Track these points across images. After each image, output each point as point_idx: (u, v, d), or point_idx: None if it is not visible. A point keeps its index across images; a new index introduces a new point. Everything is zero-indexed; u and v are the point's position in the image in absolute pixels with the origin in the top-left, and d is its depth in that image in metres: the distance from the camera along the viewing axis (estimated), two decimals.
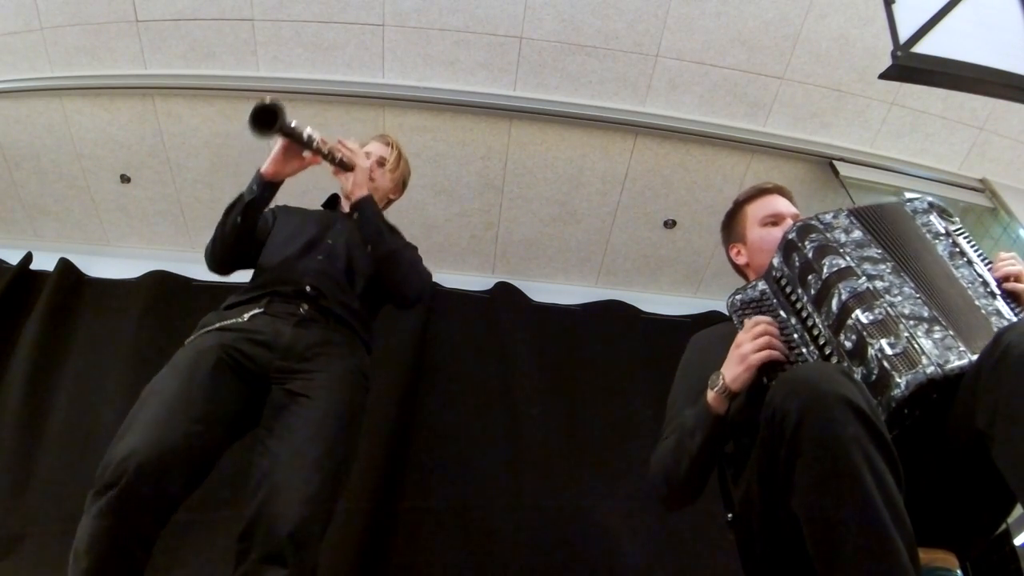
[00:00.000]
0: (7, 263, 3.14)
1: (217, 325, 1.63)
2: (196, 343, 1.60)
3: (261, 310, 1.66)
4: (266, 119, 1.58)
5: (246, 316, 1.64)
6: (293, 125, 1.63)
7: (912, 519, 0.92)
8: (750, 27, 2.69)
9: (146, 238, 3.32)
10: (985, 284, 1.24)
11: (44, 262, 3.13)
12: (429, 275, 1.95)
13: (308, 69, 2.83)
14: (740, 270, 1.61)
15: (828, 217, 1.32)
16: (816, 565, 0.92)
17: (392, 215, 3.13)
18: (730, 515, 1.32)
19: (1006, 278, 1.25)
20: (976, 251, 1.31)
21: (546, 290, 3.23)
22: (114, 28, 2.78)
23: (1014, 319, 1.18)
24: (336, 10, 2.70)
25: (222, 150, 2.94)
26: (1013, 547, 1.23)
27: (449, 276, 3.22)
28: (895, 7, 1.56)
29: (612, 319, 3.11)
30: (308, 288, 1.70)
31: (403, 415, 2.66)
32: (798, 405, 0.96)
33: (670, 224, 3.18)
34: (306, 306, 1.69)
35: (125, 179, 3.13)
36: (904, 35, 1.53)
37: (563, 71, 2.82)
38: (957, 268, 1.26)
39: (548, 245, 3.25)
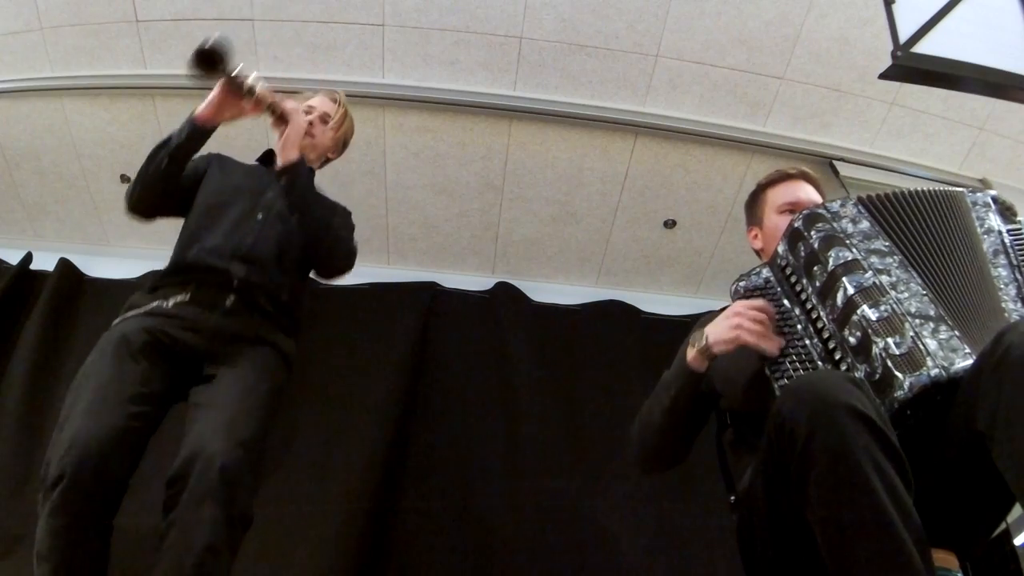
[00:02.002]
0: (7, 263, 3.14)
1: (143, 310, 1.62)
2: (122, 327, 1.59)
3: (186, 297, 1.63)
4: (211, 61, 1.51)
5: (170, 303, 1.62)
6: (237, 72, 1.57)
7: None
8: (750, 27, 2.69)
9: (146, 238, 3.32)
10: (1019, 287, 1.22)
11: (44, 262, 3.13)
12: (354, 248, 1.87)
13: (308, 69, 2.83)
14: (757, 254, 1.60)
15: (836, 206, 1.29)
16: (831, 574, 0.93)
17: (392, 215, 3.12)
18: (732, 497, 1.32)
19: None
20: (1022, 253, 1.29)
21: (546, 290, 3.23)
22: (114, 28, 2.78)
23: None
24: (336, 10, 2.70)
25: (221, 150, 2.93)
26: (1013, 547, 1.23)
27: (449, 276, 3.22)
28: (895, 7, 1.56)
29: (612, 319, 3.11)
30: (235, 282, 1.66)
31: (403, 415, 2.66)
32: (807, 417, 0.95)
33: (670, 224, 3.18)
34: (232, 297, 1.65)
35: (125, 179, 3.13)
36: (904, 35, 1.52)
37: (563, 71, 2.82)
38: (996, 267, 1.23)
39: (548, 245, 3.25)
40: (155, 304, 1.62)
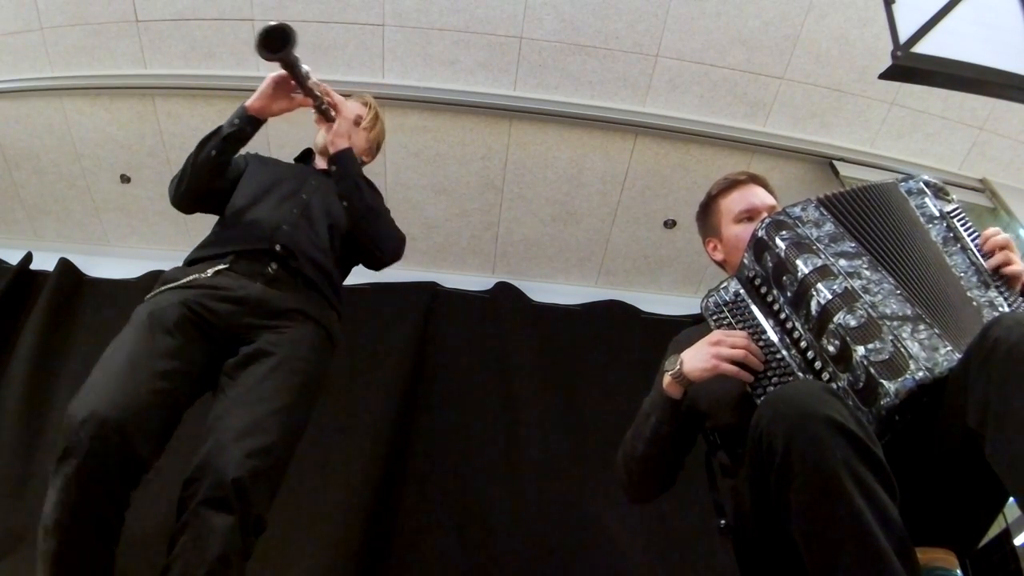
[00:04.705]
0: (7, 263, 3.15)
1: (181, 281, 1.55)
2: (157, 299, 1.53)
3: (226, 266, 1.57)
4: (275, 42, 1.51)
5: (210, 272, 1.56)
6: (295, 56, 1.57)
7: (910, 519, 0.91)
8: (750, 27, 2.69)
9: (146, 238, 3.33)
10: (979, 272, 1.20)
11: (44, 262, 3.13)
12: (403, 236, 1.87)
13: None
14: (719, 265, 1.58)
15: (797, 210, 1.26)
16: None
17: (393, 215, 3.12)
18: (723, 522, 1.31)
19: (997, 267, 1.21)
20: (971, 233, 1.26)
21: (546, 290, 3.23)
22: (114, 28, 2.78)
23: (1007, 311, 1.16)
24: (336, 10, 2.70)
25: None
26: (1013, 547, 1.23)
27: (449, 276, 3.22)
28: (895, 7, 1.55)
29: (612, 319, 3.11)
30: (278, 247, 1.61)
31: (403, 415, 2.66)
32: (784, 430, 0.94)
33: (670, 224, 3.18)
34: (275, 265, 1.60)
35: (125, 179, 3.13)
36: (904, 35, 1.52)
37: (563, 71, 2.82)
38: (951, 256, 1.22)
39: (548, 245, 3.25)
40: (192, 277, 1.56)
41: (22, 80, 2.95)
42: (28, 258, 3.16)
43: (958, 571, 1.09)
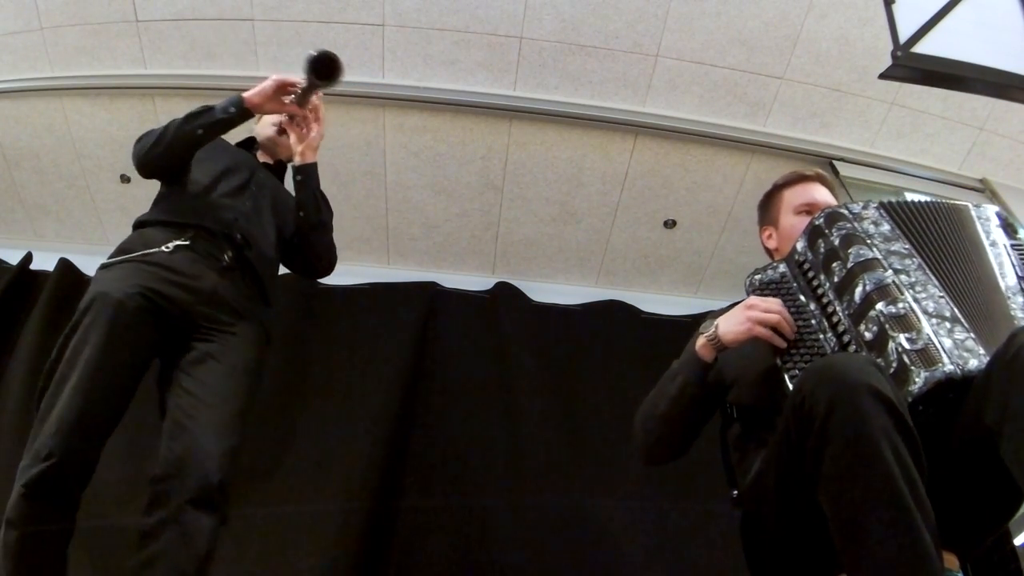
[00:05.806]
0: (7, 263, 3.14)
1: (138, 254, 1.59)
2: (117, 275, 1.56)
3: (187, 243, 1.61)
4: (327, 71, 1.58)
5: (170, 246, 1.60)
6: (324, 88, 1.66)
7: None
8: (750, 27, 2.69)
9: None
10: None
11: (44, 262, 3.12)
12: (336, 255, 1.95)
13: None
14: (769, 253, 1.61)
15: (857, 207, 1.31)
16: (841, 555, 0.93)
17: (392, 215, 3.12)
18: (735, 492, 1.32)
19: None
20: None
21: (546, 290, 3.22)
22: (114, 28, 2.78)
23: None
24: (336, 10, 2.70)
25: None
26: (1013, 547, 1.24)
27: (449, 276, 3.21)
28: (895, 7, 1.56)
29: (612, 319, 3.10)
30: (238, 236, 1.66)
31: (403, 415, 2.66)
32: (827, 395, 0.96)
33: (670, 224, 3.18)
34: (231, 253, 1.65)
35: (125, 179, 3.13)
36: (904, 35, 1.53)
37: (563, 71, 2.82)
38: (1004, 278, 1.24)
39: (548, 245, 3.25)
40: (153, 250, 1.59)
41: (22, 80, 2.95)
42: (28, 258, 3.16)
43: (959, 573, 1.09)
